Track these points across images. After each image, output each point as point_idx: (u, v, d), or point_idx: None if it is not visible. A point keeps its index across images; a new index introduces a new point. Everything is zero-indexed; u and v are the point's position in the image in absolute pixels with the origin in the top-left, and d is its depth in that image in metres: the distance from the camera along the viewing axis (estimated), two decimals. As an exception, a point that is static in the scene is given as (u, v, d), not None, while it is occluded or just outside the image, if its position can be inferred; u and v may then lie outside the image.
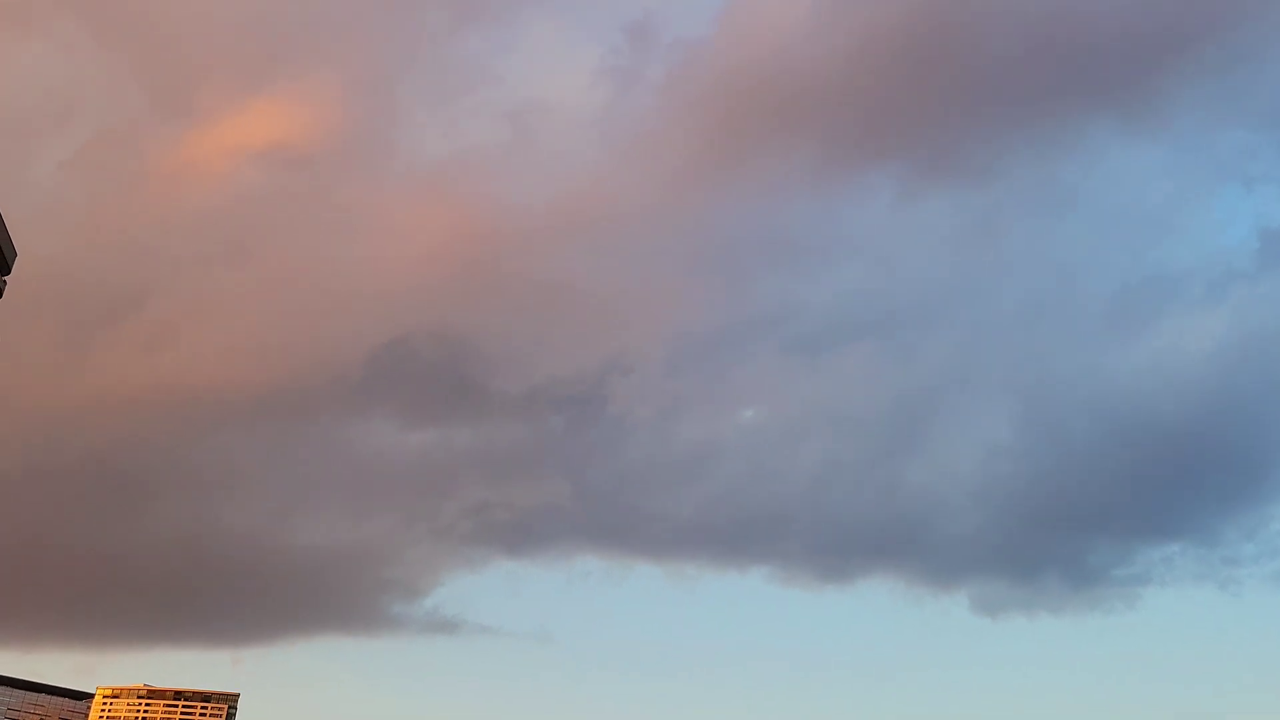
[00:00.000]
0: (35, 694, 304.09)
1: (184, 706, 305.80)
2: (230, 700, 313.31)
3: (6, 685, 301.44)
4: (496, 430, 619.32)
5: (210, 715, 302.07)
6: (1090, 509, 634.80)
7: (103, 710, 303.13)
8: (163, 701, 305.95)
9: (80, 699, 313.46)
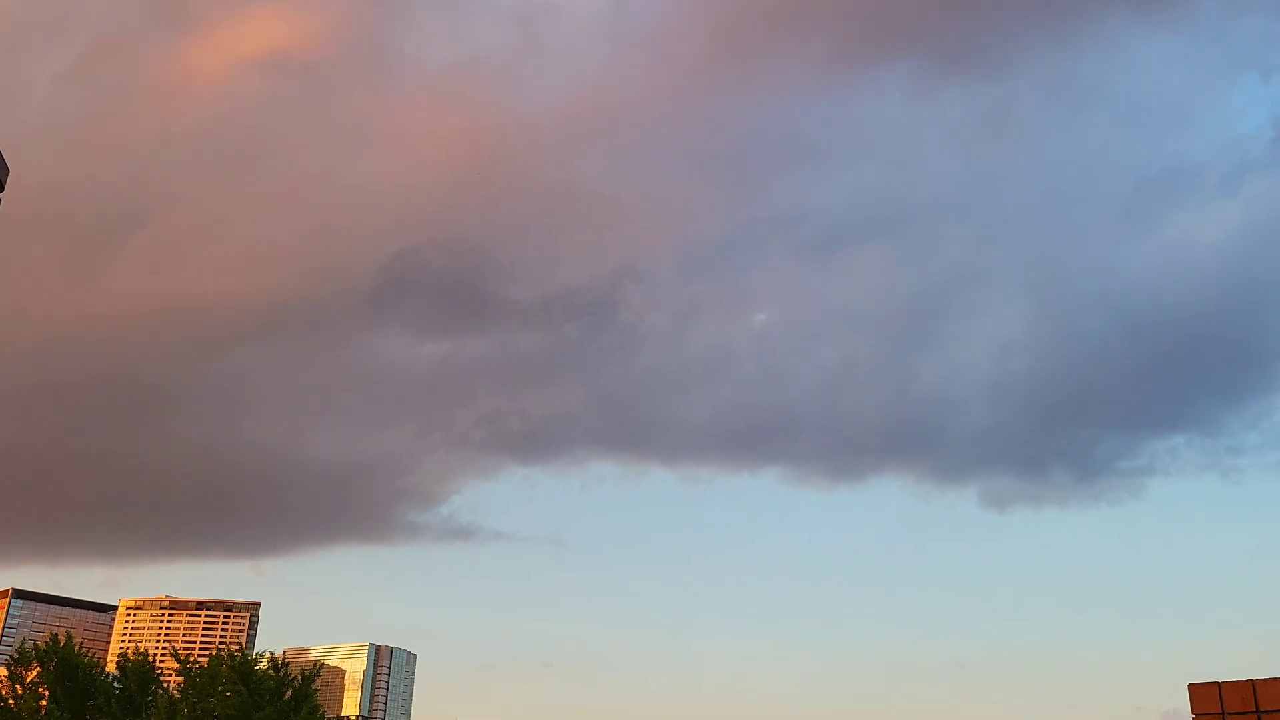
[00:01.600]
0: (60, 607, 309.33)
1: (206, 617, 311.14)
2: (252, 609, 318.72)
3: (31, 599, 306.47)
4: (509, 339, 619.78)
5: (232, 625, 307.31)
6: (1098, 403, 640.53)
7: (126, 622, 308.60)
8: (185, 612, 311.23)
9: (104, 611, 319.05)
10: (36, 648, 32.71)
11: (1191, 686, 5.22)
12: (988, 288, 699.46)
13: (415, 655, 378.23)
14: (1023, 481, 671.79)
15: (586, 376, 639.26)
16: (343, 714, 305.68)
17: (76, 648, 33.36)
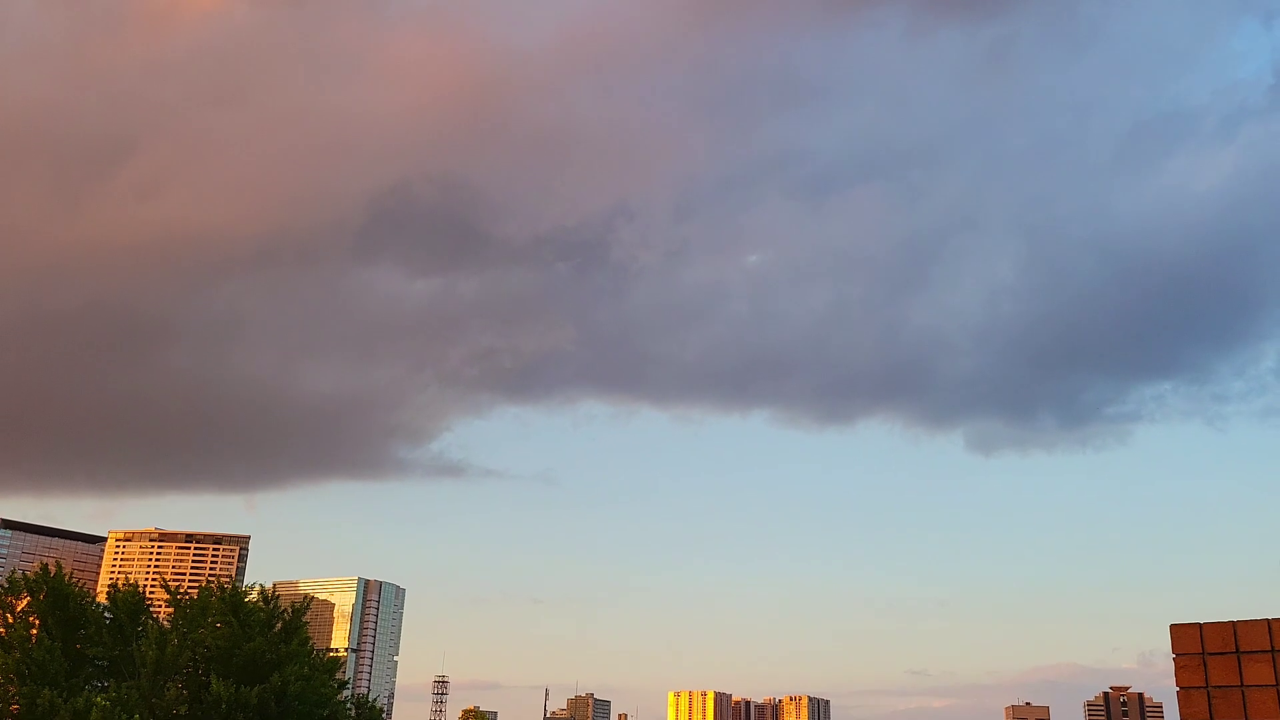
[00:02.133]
0: (49, 538, 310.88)
1: (196, 549, 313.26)
2: (241, 543, 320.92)
3: (21, 530, 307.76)
4: (501, 277, 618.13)
5: (222, 557, 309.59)
6: (1087, 349, 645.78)
7: (116, 553, 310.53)
8: (174, 544, 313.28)
9: (93, 543, 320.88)
10: (26, 577, 32.88)
11: (1173, 627, 5.29)
12: (980, 232, 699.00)
13: (404, 590, 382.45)
14: (1010, 426, 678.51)
15: (578, 315, 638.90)
16: (332, 646, 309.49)
17: (66, 578, 33.52)
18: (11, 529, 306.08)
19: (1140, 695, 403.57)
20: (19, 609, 33.00)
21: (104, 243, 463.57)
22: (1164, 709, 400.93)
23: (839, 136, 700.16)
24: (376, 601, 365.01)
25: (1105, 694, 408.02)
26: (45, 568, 33.24)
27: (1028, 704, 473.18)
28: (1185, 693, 5.34)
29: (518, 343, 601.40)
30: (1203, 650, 5.40)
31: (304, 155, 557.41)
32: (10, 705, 30.48)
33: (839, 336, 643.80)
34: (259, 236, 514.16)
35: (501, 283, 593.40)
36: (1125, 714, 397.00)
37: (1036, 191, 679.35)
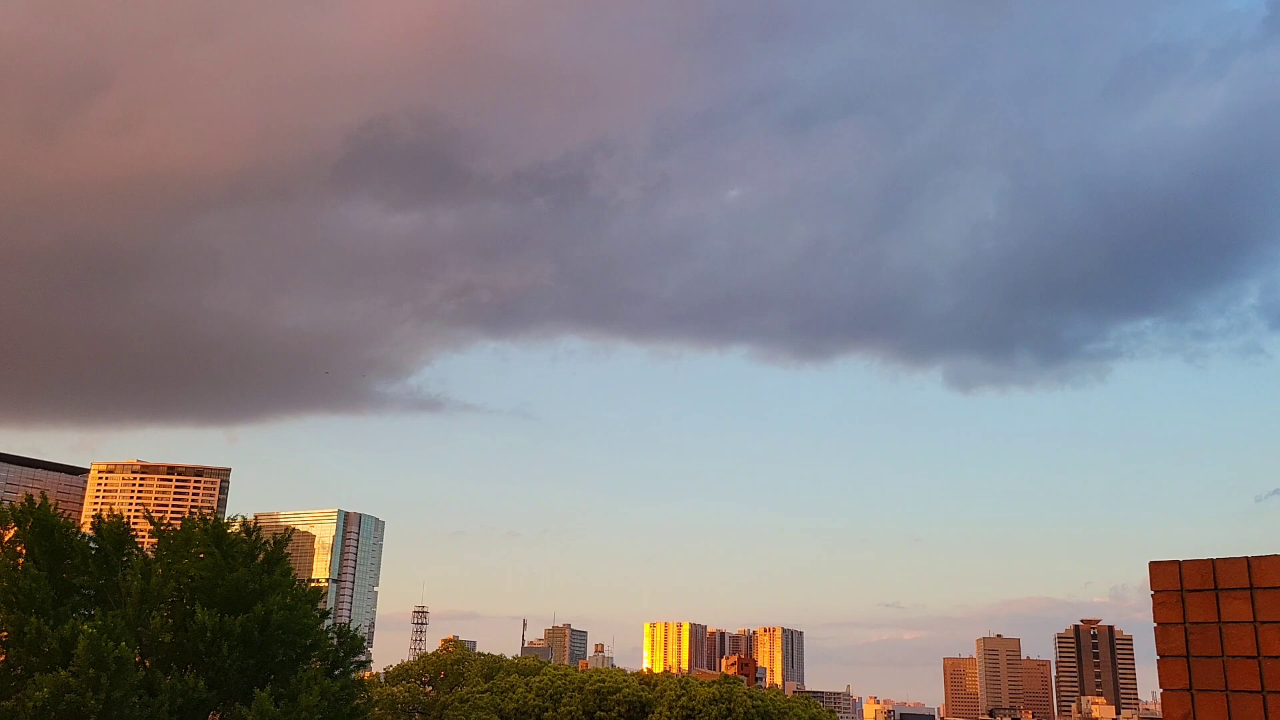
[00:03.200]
0: (32, 469, 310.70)
1: (178, 481, 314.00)
2: (222, 475, 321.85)
3: (4, 461, 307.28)
4: (480, 212, 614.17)
5: (203, 490, 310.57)
6: (1068, 285, 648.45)
7: (98, 484, 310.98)
8: (156, 476, 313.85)
9: (77, 474, 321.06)
10: (12, 508, 32.95)
11: (1152, 564, 5.44)
12: (964, 167, 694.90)
13: (383, 522, 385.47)
14: (988, 363, 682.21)
15: (557, 251, 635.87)
16: (313, 577, 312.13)
17: (52, 509, 33.61)
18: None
19: (1110, 628, 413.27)
20: (5, 539, 33.15)
21: (80, 177, 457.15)
22: (1134, 642, 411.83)
23: (822, 70, 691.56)
24: (356, 533, 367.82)
25: (1076, 627, 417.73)
26: (30, 498, 33.31)
27: (999, 636, 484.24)
28: (1163, 629, 5.49)
29: (496, 278, 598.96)
30: (1181, 587, 5.56)
31: (280, 89, 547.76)
32: (-2, 633, 30.78)
33: (818, 272, 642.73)
34: (236, 171, 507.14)
35: (480, 218, 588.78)
36: (1095, 646, 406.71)
37: (1022, 127, 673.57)
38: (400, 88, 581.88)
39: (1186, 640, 5.31)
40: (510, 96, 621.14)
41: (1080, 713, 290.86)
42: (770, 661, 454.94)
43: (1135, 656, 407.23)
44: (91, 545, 34.41)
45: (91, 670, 27.55)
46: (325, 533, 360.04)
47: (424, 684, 68.51)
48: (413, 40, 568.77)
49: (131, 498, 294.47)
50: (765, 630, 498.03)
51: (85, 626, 28.84)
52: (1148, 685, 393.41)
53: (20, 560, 32.76)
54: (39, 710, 27.12)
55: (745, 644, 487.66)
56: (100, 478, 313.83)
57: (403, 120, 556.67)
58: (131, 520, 35.62)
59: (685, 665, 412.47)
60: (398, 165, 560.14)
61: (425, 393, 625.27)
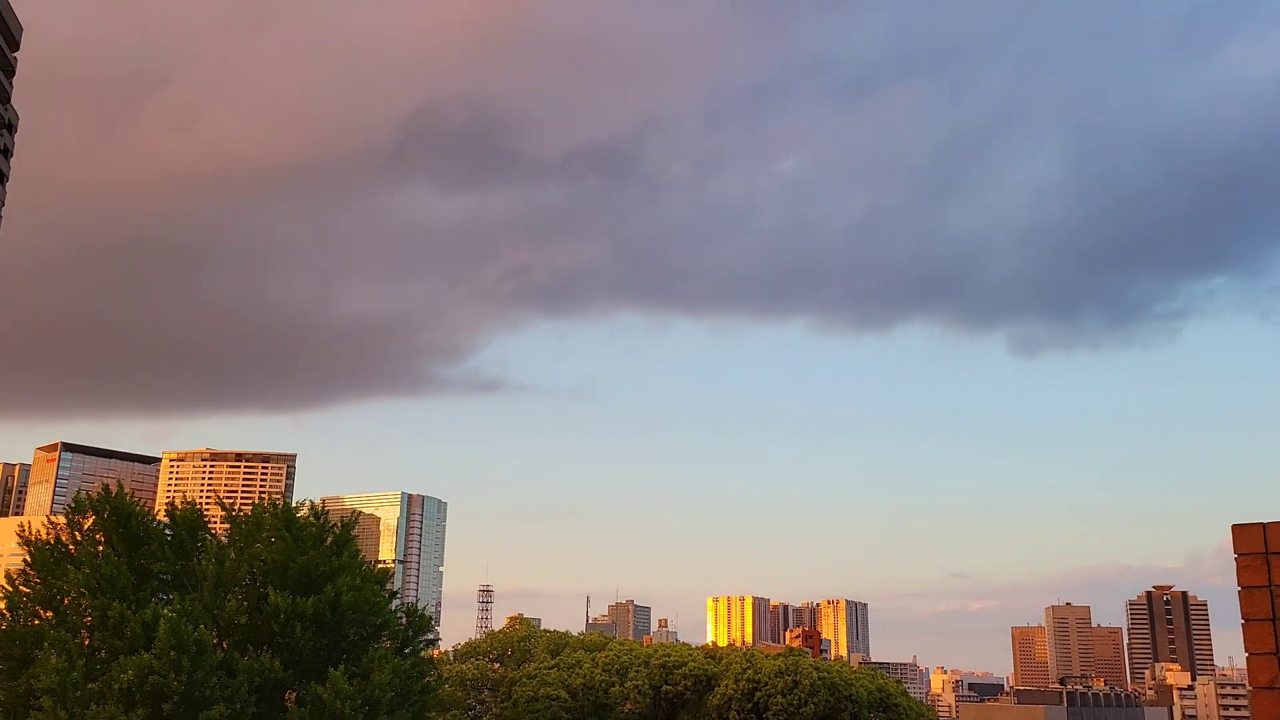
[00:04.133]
0: (107, 460, 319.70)
1: (245, 467, 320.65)
2: (289, 460, 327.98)
3: (80, 452, 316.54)
4: (533, 193, 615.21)
5: (270, 475, 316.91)
6: (1135, 244, 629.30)
7: (170, 473, 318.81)
8: (225, 463, 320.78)
9: (149, 463, 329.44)
10: (90, 497, 33.95)
11: (1235, 527, 5.31)
12: (1024, 128, 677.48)
13: (446, 503, 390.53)
14: (1054, 327, 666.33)
15: (611, 228, 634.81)
16: (380, 558, 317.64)
17: (128, 497, 34.51)
18: (72, 451, 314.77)
19: (1184, 594, 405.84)
20: (86, 527, 34.11)
21: (143, 175, 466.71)
22: (1208, 607, 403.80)
23: (875, 35, 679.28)
24: (420, 515, 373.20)
25: (1149, 593, 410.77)
26: (107, 488, 34.22)
27: (1068, 604, 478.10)
28: (1247, 592, 5.38)
29: (551, 258, 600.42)
30: (1266, 550, 5.44)
31: (333, 78, 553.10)
32: (83, 618, 31.73)
33: (876, 241, 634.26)
34: (293, 161, 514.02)
35: (533, 198, 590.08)
36: (1169, 612, 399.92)
37: (1085, 84, 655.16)
38: (450, 72, 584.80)
39: (1273, 603, 5.18)
40: (559, 76, 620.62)
41: (1154, 680, 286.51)
42: (834, 634, 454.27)
43: (1211, 622, 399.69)
44: (167, 532, 35.34)
45: (173, 653, 28.35)
46: (389, 515, 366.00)
47: (491, 661, 69.41)
48: (461, 24, 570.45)
49: (202, 485, 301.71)
50: (829, 603, 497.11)
51: (165, 610, 29.67)
52: (1224, 651, 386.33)
53: (100, 548, 33.78)
54: (125, 691, 27.99)
55: (809, 617, 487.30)
56: (171, 466, 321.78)
57: (453, 104, 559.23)
58: (203, 507, 36.55)
59: (749, 639, 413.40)
60: (450, 149, 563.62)
61: (483, 374, 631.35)
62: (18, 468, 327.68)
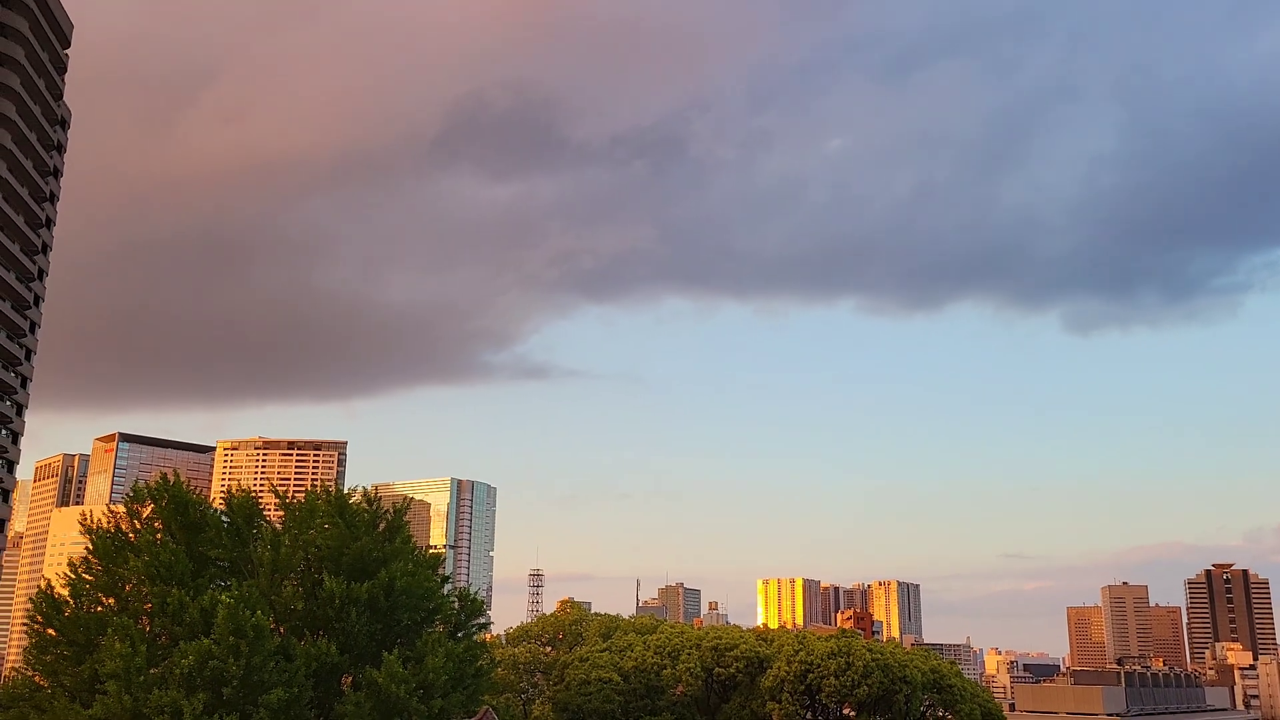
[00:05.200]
0: (163, 449, 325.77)
1: (298, 455, 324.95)
2: (339, 448, 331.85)
3: (137, 442, 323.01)
4: (578, 178, 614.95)
5: (322, 463, 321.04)
6: (1193, 219, 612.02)
7: (224, 461, 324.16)
8: (278, 452, 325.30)
9: (204, 452, 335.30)
10: (148, 487, 34.56)
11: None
12: (1076, 102, 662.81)
13: (495, 489, 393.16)
14: (1109, 303, 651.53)
15: (657, 213, 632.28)
16: (431, 544, 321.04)
17: (185, 486, 35.08)
18: (129, 442, 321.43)
19: (1245, 572, 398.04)
20: (144, 516, 34.69)
21: (193, 169, 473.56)
22: (1270, 585, 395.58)
23: (922, 11, 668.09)
24: (470, 500, 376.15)
25: (1208, 571, 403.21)
26: (165, 477, 34.77)
27: (1125, 583, 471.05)
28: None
29: (597, 243, 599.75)
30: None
31: (377, 68, 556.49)
32: (144, 604, 32.30)
33: (925, 219, 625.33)
34: (339, 152, 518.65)
35: (578, 184, 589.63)
36: (1229, 591, 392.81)
37: (1139, 56, 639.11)
38: (493, 59, 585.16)
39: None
40: (603, 61, 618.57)
41: (1215, 659, 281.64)
42: (886, 615, 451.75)
43: (1273, 600, 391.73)
44: (224, 519, 35.93)
45: (231, 638, 28.82)
46: (440, 501, 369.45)
47: (543, 644, 69.83)
48: (504, 10, 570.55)
49: (255, 473, 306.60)
50: (880, 584, 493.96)
51: (224, 597, 30.17)
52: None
53: (159, 535, 34.44)
54: (186, 676, 28.50)
55: (860, 598, 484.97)
56: (225, 455, 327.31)
57: (497, 91, 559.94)
58: (256, 495, 37.06)
59: (800, 621, 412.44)
60: (495, 136, 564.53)
61: (531, 360, 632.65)
62: (77, 458, 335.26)
